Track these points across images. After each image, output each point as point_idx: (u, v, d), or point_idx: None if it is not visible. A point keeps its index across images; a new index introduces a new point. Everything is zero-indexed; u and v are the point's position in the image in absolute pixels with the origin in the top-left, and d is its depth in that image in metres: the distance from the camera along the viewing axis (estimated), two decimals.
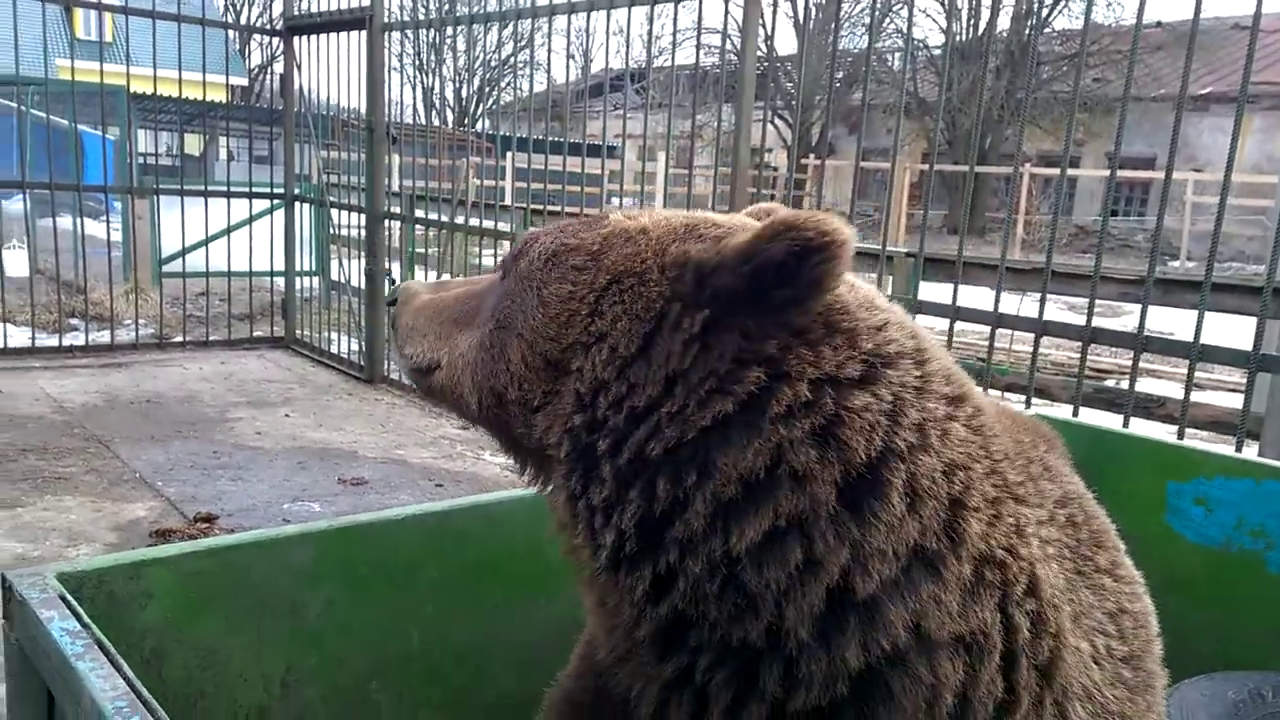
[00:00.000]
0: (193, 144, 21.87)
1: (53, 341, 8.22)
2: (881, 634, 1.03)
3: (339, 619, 1.91)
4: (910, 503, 1.05)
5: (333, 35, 8.08)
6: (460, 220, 7.01)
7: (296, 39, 8.62)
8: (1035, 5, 29.48)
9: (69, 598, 1.44)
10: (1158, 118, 23.95)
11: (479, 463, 5.59)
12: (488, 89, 33.89)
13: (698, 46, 5.73)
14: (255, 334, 9.13)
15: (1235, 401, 6.77)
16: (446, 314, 1.49)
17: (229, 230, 8.91)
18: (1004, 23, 30.50)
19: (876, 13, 22.23)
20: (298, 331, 9.04)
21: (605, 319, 1.17)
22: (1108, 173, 3.98)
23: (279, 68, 9.40)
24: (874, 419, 1.06)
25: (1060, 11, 30.15)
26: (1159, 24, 22.95)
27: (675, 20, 6.23)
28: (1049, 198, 26.89)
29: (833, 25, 27.71)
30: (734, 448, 1.06)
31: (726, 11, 7.21)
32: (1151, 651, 1.32)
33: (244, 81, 32.04)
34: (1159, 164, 23.39)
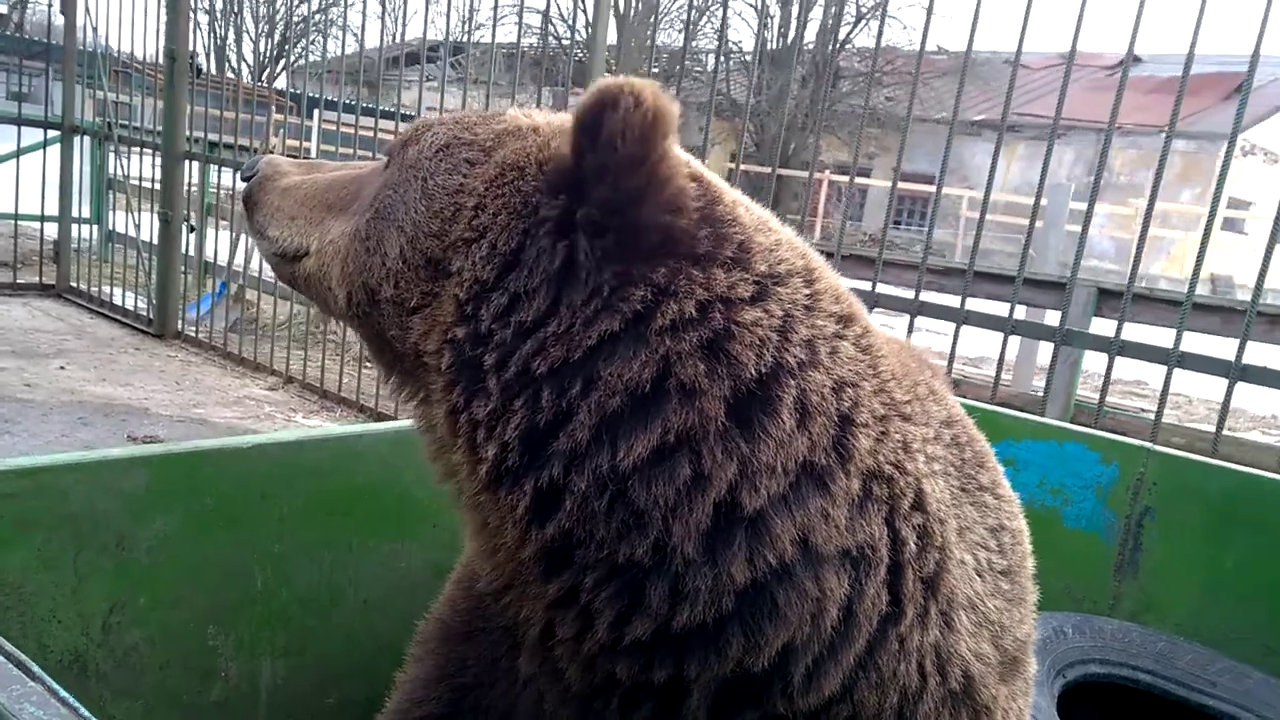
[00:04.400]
0: None
1: None
2: (768, 548, 1.04)
3: (174, 554, 1.72)
4: (800, 419, 1.06)
5: None
6: None
7: None
8: (836, 22, 31.13)
9: None
10: (941, 139, 25.92)
11: (291, 424, 5.25)
12: (289, 45, 32.09)
13: (519, 25, 5.63)
14: (19, 281, 8.17)
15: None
16: (319, 198, 1.39)
17: None
18: (811, 35, 32.05)
19: (693, 11, 22.78)
20: (73, 281, 8.16)
21: (487, 212, 1.14)
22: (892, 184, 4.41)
23: None
24: (764, 334, 1.07)
25: (861, 30, 32.02)
26: (939, 49, 24.76)
27: None
28: (840, 206, 28.62)
29: (651, 19, 28.11)
30: (619, 359, 1.05)
31: None
32: (1026, 567, 1.37)
33: (1, 9, 28.58)
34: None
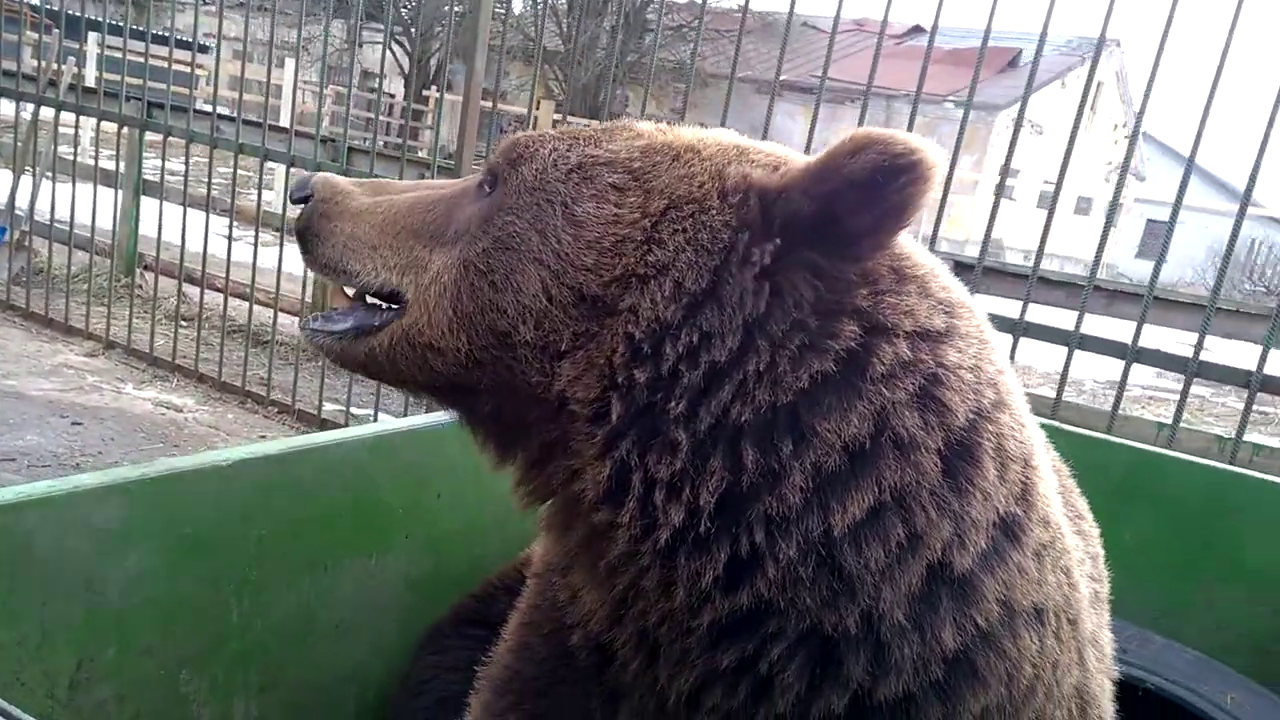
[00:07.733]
0: None
1: None
2: (975, 610, 0.99)
3: (148, 594, 1.51)
4: (1000, 467, 1.01)
5: None
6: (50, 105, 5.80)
7: None
8: None
9: None
10: (744, 98, 26.68)
11: (121, 396, 4.70)
12: None
13: None
14: None
15: None
16: (401, 223, 1.19)
17: None
18: None
19: None
20: None
21: (666, 249, 1.02)
22: None
23: None
24: (965, 375, 1.01)
25: None
26: (740, 8, 25.38)
27: None
28: None
29: None
30: (835, 412, 0.96)
31: None
32: (1106, 591, 1.42)
33: None
34: None
